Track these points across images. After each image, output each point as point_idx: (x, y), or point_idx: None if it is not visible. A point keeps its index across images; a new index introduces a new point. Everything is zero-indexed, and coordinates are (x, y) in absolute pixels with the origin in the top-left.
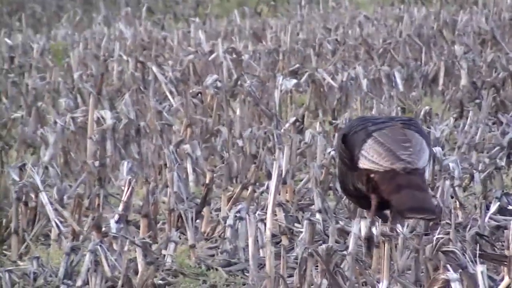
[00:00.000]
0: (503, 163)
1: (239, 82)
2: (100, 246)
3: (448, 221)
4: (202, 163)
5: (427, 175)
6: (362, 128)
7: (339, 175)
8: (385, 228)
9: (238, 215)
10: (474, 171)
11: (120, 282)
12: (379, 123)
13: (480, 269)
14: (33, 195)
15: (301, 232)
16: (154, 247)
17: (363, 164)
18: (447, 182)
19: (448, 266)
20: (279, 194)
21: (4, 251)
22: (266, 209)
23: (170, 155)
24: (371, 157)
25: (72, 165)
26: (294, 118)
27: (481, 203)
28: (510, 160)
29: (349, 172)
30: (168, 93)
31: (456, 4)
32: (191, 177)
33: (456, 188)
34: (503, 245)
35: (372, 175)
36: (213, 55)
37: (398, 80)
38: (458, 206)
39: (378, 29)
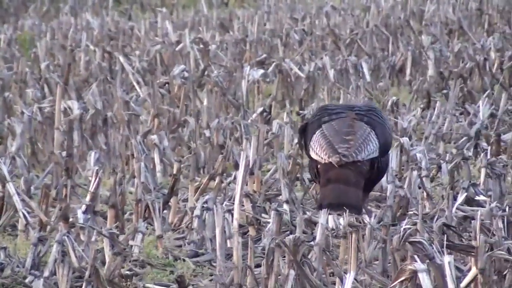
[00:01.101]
0: (470, 154)
1: (206, 73)
2: (68, 236)
3: (415, 212)
4: (169, 154)
5: (395, 165)
6: (317, 119)
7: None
8: (352, 219)
9: (205, 205)
10: (442, 161)
11: (87, 273)
12: (333, 114)
13: (447, 259)
14: (0, 186)
15: (269, 222)
16: (121, 237)
17: (312, 155)
18: (415, 173)
19: (416, 256)
20: (247, 185)
21: None
22: (234, 200)
23: (137, 145)
24: (315, 149)
25: (39, 156)
26: (261, 109)
27: (448, 193)
28: (478, 150)
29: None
30: (135, 84)
31: None
32: (158, 168)
33: (424, 179)
34: (470, 236)
35: (318, 166)
36: (180, 46)
37: (365, 71)
38: (425, 196)
39: (345, 19)
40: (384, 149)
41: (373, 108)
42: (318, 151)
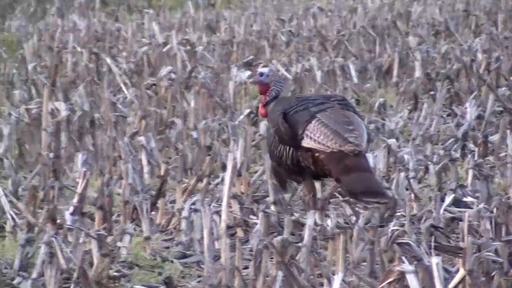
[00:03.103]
0: (457, 155)
1: (193, 74)
2: (55, 238)
3: (403, 213)
4: (156, 155)
5: (382, 167)
6: (303, 108)
7: (271, 150)
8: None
9: (193, 207)
10: (429, 163)
11: (75, 274)
12: (319, 104)
13: (435, 261)
14: None
15: (256, 224)
16: (109, 239)
17: (307, 143)
18: (402, 174)
19: (403, 258)
20: (234, 186)
21: None
22: (221, 201)
23: (124, 147)
24: (317, 138)
25: (27, 157)
26: (248, 110)
27: (436, 195)
28: (465, 152)
29: (289, 149)
30: (122, 85)
31: None
32: (146, 169)
33: (411, 180)
34: (458, 237)
35: (317, 155)
36: (167, 47)
37: (353, 72)
38: (413, 198)
39: (332, 20)
40: (367, 138)
41: (344, 98)
42: (321, 139)
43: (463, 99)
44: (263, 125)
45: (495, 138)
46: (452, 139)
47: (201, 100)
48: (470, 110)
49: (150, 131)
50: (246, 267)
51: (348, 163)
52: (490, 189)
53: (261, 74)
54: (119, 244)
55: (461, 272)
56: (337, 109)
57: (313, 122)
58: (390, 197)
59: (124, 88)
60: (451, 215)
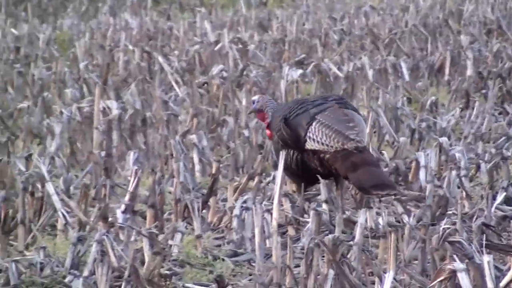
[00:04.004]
0: (509, 153)
1: (245, 72)
2: (107, 236)
3: (454, 212)
4: (208, 153)
5: (434, 165)
6: (303, 111)
7: (277, 155)
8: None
9: (244, 205)
10: (481, 161)
11: (126, 272)
12: (318, 105)
13: (486, 259)
14: (39, 186)
15: (308, 222)
16: (160, 237)
17: (311, 146)
18: (454, 173)
19: (455, 256)
20: (285, 184)
21: (11, 242)
22: (273, 200)
23: (176, 145)
24: (319, 139)
25: (78, 156)
26: None
27: (487, 193)
28: None
29: (293, 153)
30: (174, 83)
31: None
32: (197, 167)
33: (463, 179)
34: (509, 235)
35: (322, 155)
36: (219, 45)
37: (404, 70)
38: (464, 196)
39: (384, 19)
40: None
41: (342, 97)
42: (324, 140)
43: None
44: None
45: None
46: (503, 137)
47: None
48: None
49: (202, 130)
50: (297, 266)
51: (354, 159)
52: None
53: (253, 102)
54: (170, 242)
55: None
56: (336, 108)
57: (314, 124)
58: (398, 189)
59: (175, 87)
60: (503, 213)
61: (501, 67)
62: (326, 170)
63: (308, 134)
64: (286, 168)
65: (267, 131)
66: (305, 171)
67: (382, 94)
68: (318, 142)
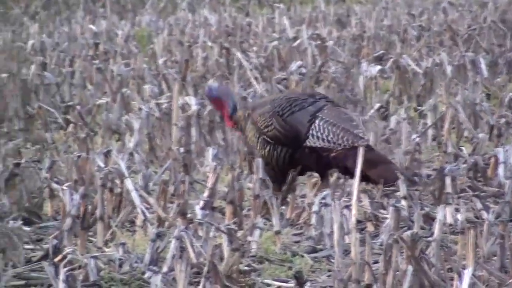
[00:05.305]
0: None
1: (323, 68)
2: (186, 232)
3: None
4: None
5: None
6: (300, 109)
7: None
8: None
9: (323, 201)
10: None
11: (205, 269)
12: (312, 103)
13: None
14: (118, 182)
15: (386, 218)
16: (239, 233)
17: (313, 143)
18: None
19: None
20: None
21: (90, 238)
22: (351, 196)
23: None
24: (325, 136)
25: (157, 152)
26: (379, 105)
27: None
28: None
29: (281, 150)
30: (252, 79)
31: None
32: None
33: None
34: None
35: (325, 153)
36: (297, 41)
37: (483, 66)
38: None
39: (462, 14)
40: None
41: (326, 96)
42: (331, 138)
43: None
44: (393, 119)
45: None
46: None
47: (331, 94)
48: None
49: None
50: (376, 262)
51: (369, 157)
52: None
53: (209, 89)
54: (249, 238)
55: None
56: (333, 107)
57: (317, 121)
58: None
59: (254, 83)
60: None
61: None
62: (321, 166)
63: (310, 131)
64: (267, 164)
65: (228, 122)
66: (290, 167)
67: (461, 90)
68: (323, 139)
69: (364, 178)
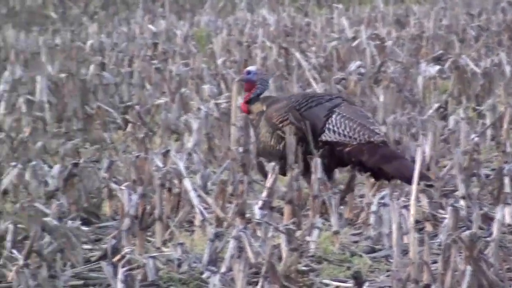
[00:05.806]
0: None
1: (382, 69)
2: (244, 232)
3: None
4: None
5: None
6: (316, 104)
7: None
8: None
9: (382, 201)
10: None
11: (264, 269)
12: (329, 100)
13: None
14: (176, 182)
15: (445, 218)
16: (298, 233)
17: (329, 137)
18: None
19: None
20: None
21: (149, 238)
22: (410, 196)
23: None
24: (341, 131)
25: (216, 152)
26: (437, 105)
27: None
28: None
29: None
30: (311, 80)
31: None
32: None
33: None
34: None
35: (339, 148)
36: (356, 42)
37: None
38: None
39: None
40: None
41: (340, 95)
42: (348, 132)
43: None
44: (452, 119)
45: None
46: None
47: (390, 94)
48: None
49: None
50: (434, 262)
51: (385, 152)
52: None
53: (249, 72)
54: (308, 238)
55: None
56: (349, 104)
57: (334, 116)
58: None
59: (313, 83)
60: None
61: None
62: (333, 162)
63: (327, 125)
64: (281, 159)
65: (243, 105)
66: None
67: None
68: (339, 134)
69: (379, 173)
